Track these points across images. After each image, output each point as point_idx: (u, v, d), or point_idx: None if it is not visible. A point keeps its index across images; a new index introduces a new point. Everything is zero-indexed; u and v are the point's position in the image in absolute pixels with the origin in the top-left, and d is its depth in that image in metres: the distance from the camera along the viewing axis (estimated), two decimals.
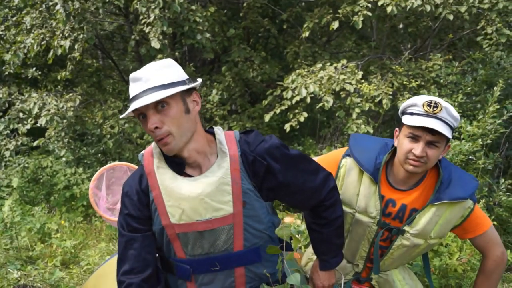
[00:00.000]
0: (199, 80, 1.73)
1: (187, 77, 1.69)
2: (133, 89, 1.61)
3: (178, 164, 1.73)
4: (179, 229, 1.71)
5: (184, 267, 1.79)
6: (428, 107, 1.89)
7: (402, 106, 2.03)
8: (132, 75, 1.63)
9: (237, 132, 1.79)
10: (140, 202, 1.74)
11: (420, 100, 1.93)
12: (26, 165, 6.17)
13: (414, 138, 1.93)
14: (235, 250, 1.76)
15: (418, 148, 1.91)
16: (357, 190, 2.11)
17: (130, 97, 1.61)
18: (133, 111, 1.60)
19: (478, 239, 2.10)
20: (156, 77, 1.59)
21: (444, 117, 1.88)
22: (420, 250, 2.12)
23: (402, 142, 1.98)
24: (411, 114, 1.96)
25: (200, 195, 1.67)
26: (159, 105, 1.58)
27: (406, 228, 2.04)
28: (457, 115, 1.91)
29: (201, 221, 1.69)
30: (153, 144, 1.78)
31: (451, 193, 1.98)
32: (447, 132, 1.87)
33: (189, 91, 1.67)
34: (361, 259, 2.21)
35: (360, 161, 2.09)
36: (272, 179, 1.75)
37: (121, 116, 1.68)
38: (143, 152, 1.81)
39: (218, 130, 1.77)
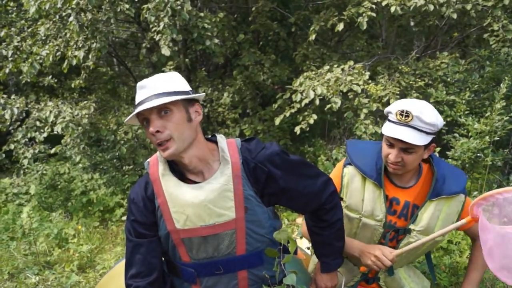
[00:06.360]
0: (202, 94, 1.80)
1: (191, 89, 1.75)
2: (139, 96, 1.67)
3: (181, 172, 1.78)
4: (183, 234, 1.76)
5: (189, 270, 1.84)
6: (400, 116, 1.96)
7: (384, 111, 2.10)
8: (139, 84, 1.70)
9: (238, 140, 1.84)
10: (146, 208, 1.79)
11: (394, 108, 2.00)
12: (44, 172, 6.27)
13: (390, 145, 2.03)
14: (238, 254, 1.81)
15: (392, 154, 2.01)
16: (362, 195, 2.16)
17: (136, 103, 1.68)
18: (138, 117, 1.67)
19: (474, 226, 2.15)
20: (162, 85, 1.66)
21: (416, 125, 1.94)
22: (426, 248, 2.18)
23: (383, 146, 2.08)
24: (388, 121, 2.04)
25: (203, 201, 1.71)
26: (162, 111, 1.63)
27: (412, 226, 2.11)
28: (433, 120, 1.94)
29: (205, 227, 1.74)
30: (158, 153, 1.82)
31: (448, 188, 2.08)
32: (417, 140, 1.93)
33: (191, 102, 1.72)
34: None
35: (362, 168, 2.15)
36: (273, 185, 1.79)
37: (125, 121, 1.72)
38: (148, 160, 1.85)
39: (220, 138, 1.82)
